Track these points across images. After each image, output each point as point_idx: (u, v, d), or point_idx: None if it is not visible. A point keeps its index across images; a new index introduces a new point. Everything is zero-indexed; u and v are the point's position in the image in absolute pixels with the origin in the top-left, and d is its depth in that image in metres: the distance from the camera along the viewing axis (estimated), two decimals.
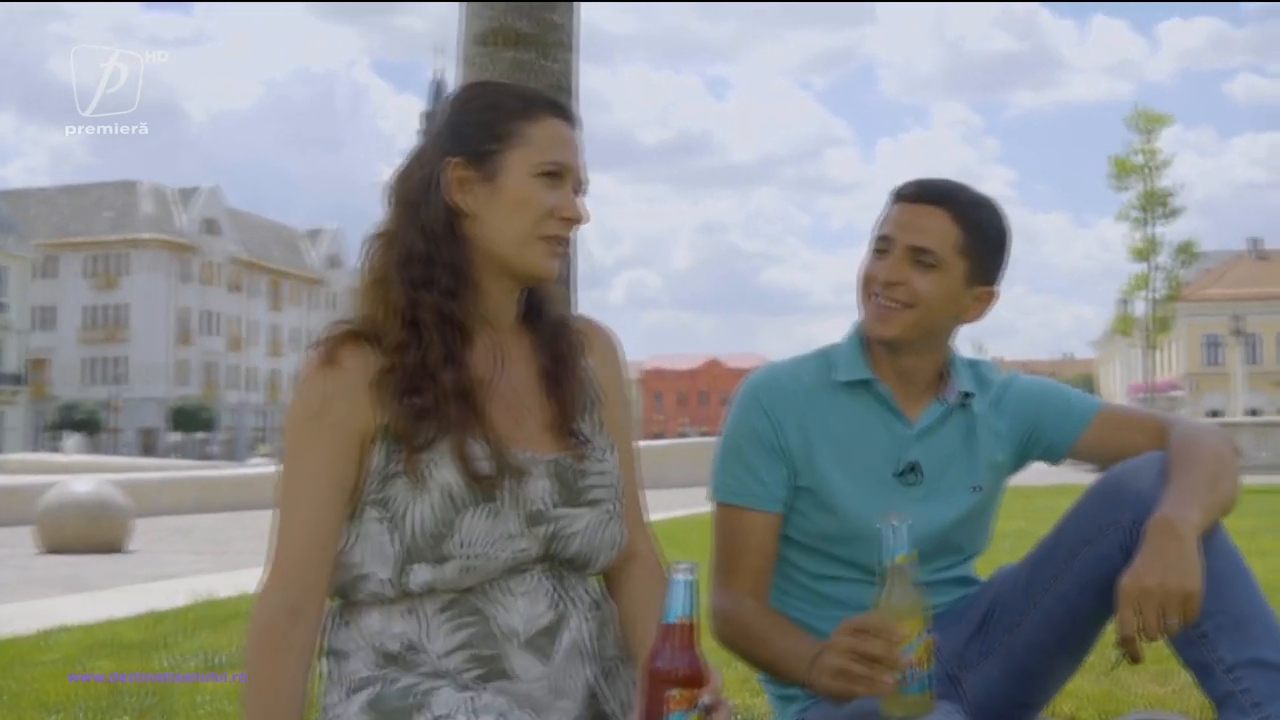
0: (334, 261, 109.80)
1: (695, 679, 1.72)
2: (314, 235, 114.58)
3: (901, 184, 2.50)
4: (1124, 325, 40.67)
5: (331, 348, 1.98)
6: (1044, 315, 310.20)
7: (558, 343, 2.12)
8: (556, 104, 2.10)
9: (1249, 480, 2.42)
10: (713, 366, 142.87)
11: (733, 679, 3.81)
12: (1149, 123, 33.20)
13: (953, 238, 2.42)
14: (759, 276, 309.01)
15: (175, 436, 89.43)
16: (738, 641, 2.44)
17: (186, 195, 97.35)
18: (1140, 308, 35.50)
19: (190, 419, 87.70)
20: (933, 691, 2.07)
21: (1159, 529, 2.16)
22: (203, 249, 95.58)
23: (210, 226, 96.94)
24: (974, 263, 2.45)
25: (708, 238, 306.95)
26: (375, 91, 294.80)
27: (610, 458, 2.12)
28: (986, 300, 2.50)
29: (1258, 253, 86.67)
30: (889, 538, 2.02)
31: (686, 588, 1.72)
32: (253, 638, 1.92)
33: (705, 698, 1.74)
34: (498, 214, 2.01)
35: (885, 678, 2.02)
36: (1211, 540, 2.20)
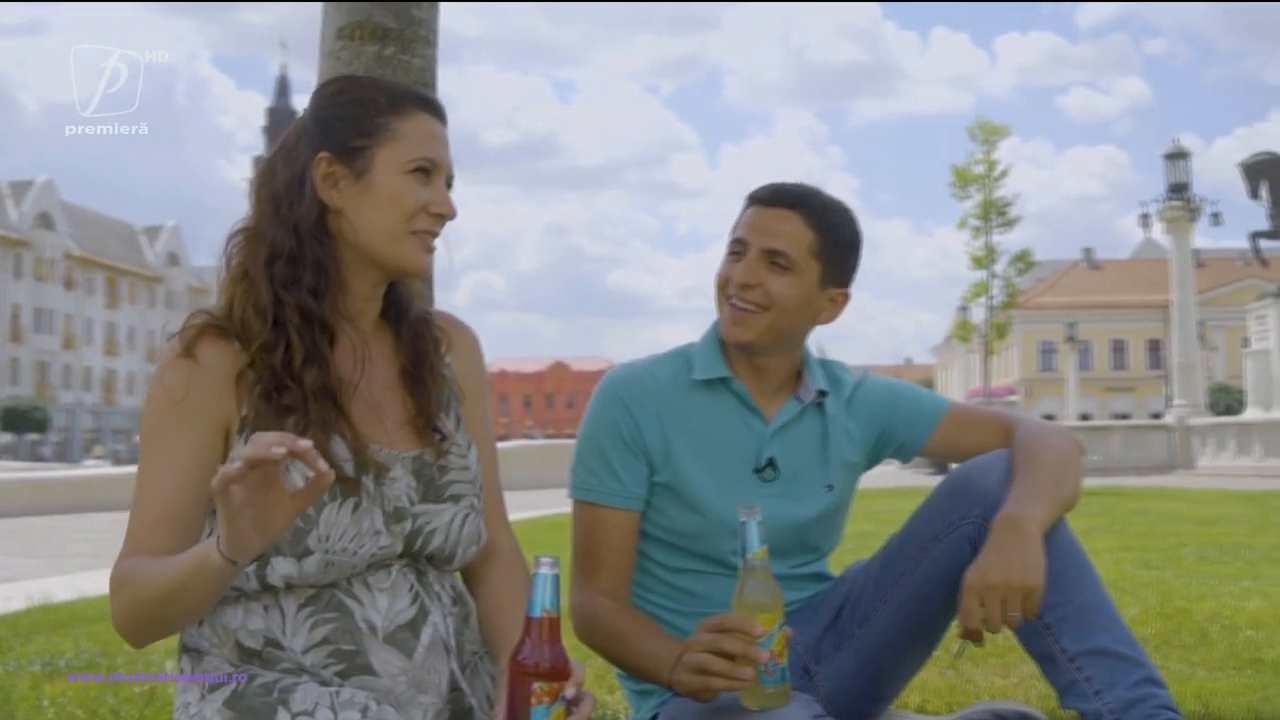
0: (173, 259, 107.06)
1: (559, 672, 1.73)
2: (153, 232, 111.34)
3: (756, 188, 2.54)
4: (963, 331, 41.44)
5: (191, 339, 1.95)
6: (886, 321, 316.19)
7: (419, 340, 2.12)
8: (425, 99, 2.08)
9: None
10: (558, 369, 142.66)
11: (588, 675, 3.83)
12: (989, 133, 33.81)
13: (807, 241, 2.46)
14: (604, 279, 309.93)
15: (6, 438, 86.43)
16: (598, 640, 2.45)
17: (19, 189, 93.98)
18: (979, 314, 36.20)
19: (22, 419, 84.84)
20: (790, 683, 2.11)
21: (1004, 525, 2.22)
22: (36, 244, 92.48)
23: (44, 221, 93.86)
24: (827, 265, 2.49)
25: (553, 240, 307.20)
26: (216, 86, 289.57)
27: (470, 454, 2.12)
28: (841, 302, 2.55)
29: (1090, 262, 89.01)
30: (741, 534, 2.06)
31: (549, 581, 1.73)
32: (113, 589, 1.89)
33: (569, 690, 1.75)
34: (368, 210, 2.00)
35: (744, 672, 2.06)
36: (1054, 535, 2.27)
